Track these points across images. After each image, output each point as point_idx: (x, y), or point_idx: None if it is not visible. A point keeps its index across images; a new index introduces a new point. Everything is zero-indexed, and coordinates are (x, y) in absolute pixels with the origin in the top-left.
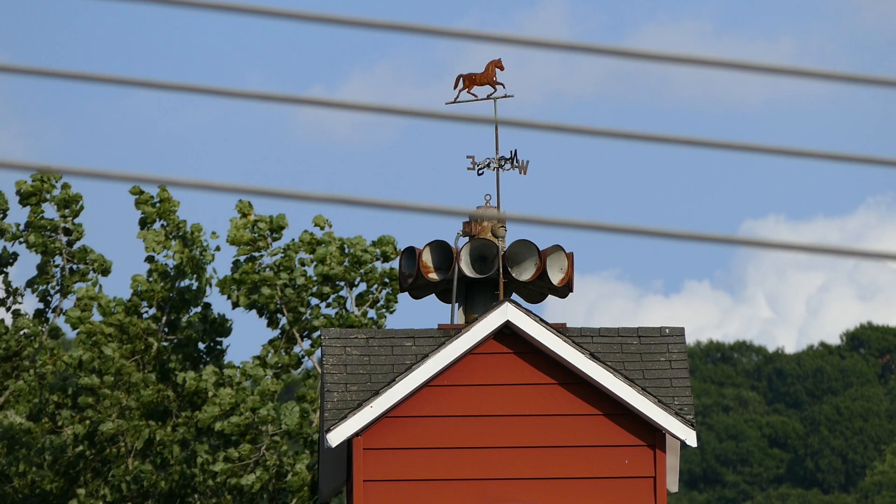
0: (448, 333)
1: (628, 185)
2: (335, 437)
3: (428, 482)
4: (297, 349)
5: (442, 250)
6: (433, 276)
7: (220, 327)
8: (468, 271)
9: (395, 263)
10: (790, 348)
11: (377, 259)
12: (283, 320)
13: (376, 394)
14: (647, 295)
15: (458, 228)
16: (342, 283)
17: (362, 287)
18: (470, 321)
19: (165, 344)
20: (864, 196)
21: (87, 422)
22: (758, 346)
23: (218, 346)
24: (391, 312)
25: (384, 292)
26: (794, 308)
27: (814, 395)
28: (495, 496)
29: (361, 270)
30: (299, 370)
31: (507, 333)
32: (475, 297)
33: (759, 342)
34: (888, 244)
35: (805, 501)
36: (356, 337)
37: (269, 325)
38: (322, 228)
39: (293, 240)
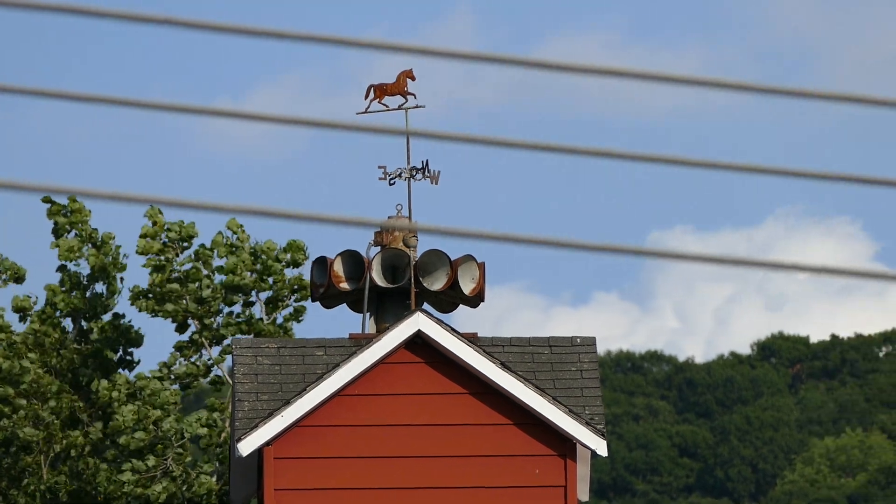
0: (359, 343)
1: (538, 195)
2: (246, 446)
3: (339, 491)
4: (205, 356)
5: (353, 260)
6: (344, 285)
7: (131, 337)
8: (379, 281)
9: (305, 270)
10: (698, 359)
11: (287, 265)
12: (193, 327)
13: (287, 403)
14: (556, 306)
15: (369, 238)
16: (252, 291)
17: (270, 293)
18: (381, 331)
19: (77, 353)
20: (773, 207)
21: (3, 431)
22: (668, 356)
23: (129, 357)
24: (299, 322)
25: (293, 298)
26: (701, 319)
27: (724, 404)
28: None
29: (270, 279)
30: (208, 378)
31: (419, 343)
32: (386, 306)
33: (668, 352)
34: (796, 255)
35: None
36: (267, 346)
37: (177, 330)
38: (235, 233)
39: (202, 245)
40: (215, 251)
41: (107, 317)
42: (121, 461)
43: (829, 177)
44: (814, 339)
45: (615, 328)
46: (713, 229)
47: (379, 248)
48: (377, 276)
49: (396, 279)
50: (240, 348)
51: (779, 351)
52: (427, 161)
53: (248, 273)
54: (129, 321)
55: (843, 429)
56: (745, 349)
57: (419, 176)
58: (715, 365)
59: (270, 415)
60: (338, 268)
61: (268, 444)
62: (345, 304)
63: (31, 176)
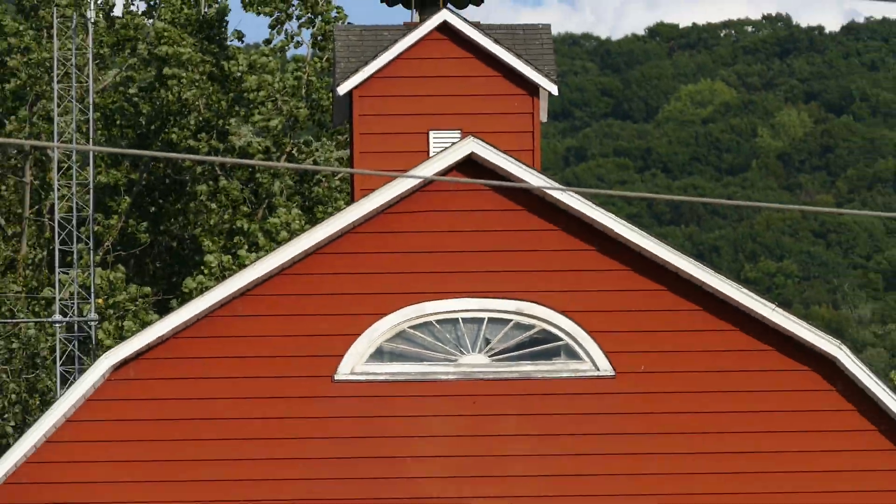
0: None
1: None
2: (342, 89)
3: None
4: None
5: None
6: None
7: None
8: None
9: None
10: None
11: None
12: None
13: (375, 57)
14: None
15: None
16: None
17: None
18: None
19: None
20: None
21: None
22: None
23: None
24: None
25: None
26: None
27: None
28: None
29: None
30: (293, 43)
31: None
32: None
33: None
34: None
35: None
36: (356, 28)
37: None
38: None
39: None
40: None
41: None
42: (241, 118)
43: None
44: None
45: None
46: None
47: None
48: None
49: None
50: (338, 31)
51: None
52: None
53: None
54: None
55: None
56: None
57: None
58: None
59: (357, 69)
60: None
61: (357, 87)
62: None
63: None
